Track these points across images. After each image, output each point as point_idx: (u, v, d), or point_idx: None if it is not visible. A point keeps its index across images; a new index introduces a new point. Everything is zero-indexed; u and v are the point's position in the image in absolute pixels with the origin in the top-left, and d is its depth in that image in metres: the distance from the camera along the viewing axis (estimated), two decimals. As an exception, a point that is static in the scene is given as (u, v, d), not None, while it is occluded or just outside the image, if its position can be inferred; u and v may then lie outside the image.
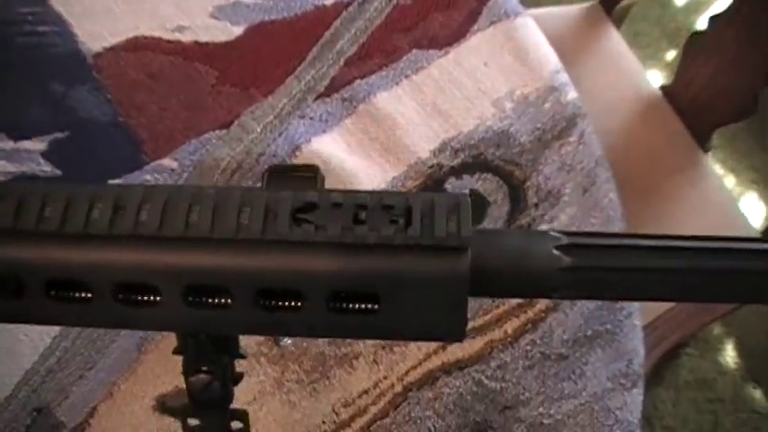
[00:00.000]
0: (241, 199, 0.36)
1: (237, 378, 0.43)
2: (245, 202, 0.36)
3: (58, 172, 0.72)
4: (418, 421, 0.67)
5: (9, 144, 0.73)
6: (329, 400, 0.67)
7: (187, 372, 0.41)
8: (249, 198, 0.36)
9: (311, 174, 0.40)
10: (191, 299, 0.36)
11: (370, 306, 0.37)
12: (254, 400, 0.66)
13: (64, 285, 0.36)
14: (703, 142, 1.22)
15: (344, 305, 0.36)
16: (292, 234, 0.35)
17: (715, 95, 1.18)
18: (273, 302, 0.36)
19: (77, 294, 0.37)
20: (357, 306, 0.37)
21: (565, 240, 0.38)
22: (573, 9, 1.29)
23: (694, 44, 1.18)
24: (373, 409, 0.67)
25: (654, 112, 1.25)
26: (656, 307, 0.88)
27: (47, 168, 0.72)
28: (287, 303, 0.36)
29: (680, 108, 1.23)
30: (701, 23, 2.11)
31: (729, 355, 1.61)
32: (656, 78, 1.79)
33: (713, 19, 1.14)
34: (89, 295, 0.36)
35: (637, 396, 0.70)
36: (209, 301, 0.36)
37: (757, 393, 1.58)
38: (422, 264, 0.35)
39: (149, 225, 0.35)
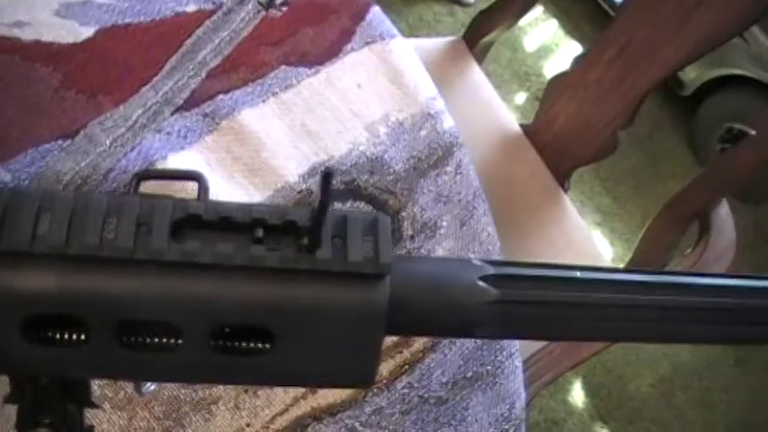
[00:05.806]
0: (107, 206, 0.28)
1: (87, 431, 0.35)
2: (111, 210, 0.28)
3: None
4: (285, 474, 0.59)
5: None
6: (183, 452, 0.58)
7: (23, 426, 0.33)
8: (117, 206, 0.29)
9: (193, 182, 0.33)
10: (32, 333, 0.28)
11: (261, 346, 0.30)
12: (95, 452, 0.56)
13: None
14: (563, 181, 1.22)
15: (232, 344, 0.30)
16: (170, 253, 0.28)
17: (576, 135, 1.19)
18: (141, 339, 0.29)
19: None
20: (247, 345, 0.30)
21: (490, 270, 0.33)
22: (437, 42, 1.27)
23: (557, 84, 1.18)
24: (234, 462, 0.59)
25: (515, 150, 1.24)
26: (531, 344, 0.85)
27: None
28: (159, 340, 0.29)
29: (540, 147, 1.23)
30: (549, 69, 2.18)
31: (577, 394, 1.62)
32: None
33: (577, 59, 1.15)
34: None
35: (518, 442, 0.65)
36: (57, 336, 0.29)
37: (605, 432, 1.60)
38: (331, 294, 0.29)
39: None
